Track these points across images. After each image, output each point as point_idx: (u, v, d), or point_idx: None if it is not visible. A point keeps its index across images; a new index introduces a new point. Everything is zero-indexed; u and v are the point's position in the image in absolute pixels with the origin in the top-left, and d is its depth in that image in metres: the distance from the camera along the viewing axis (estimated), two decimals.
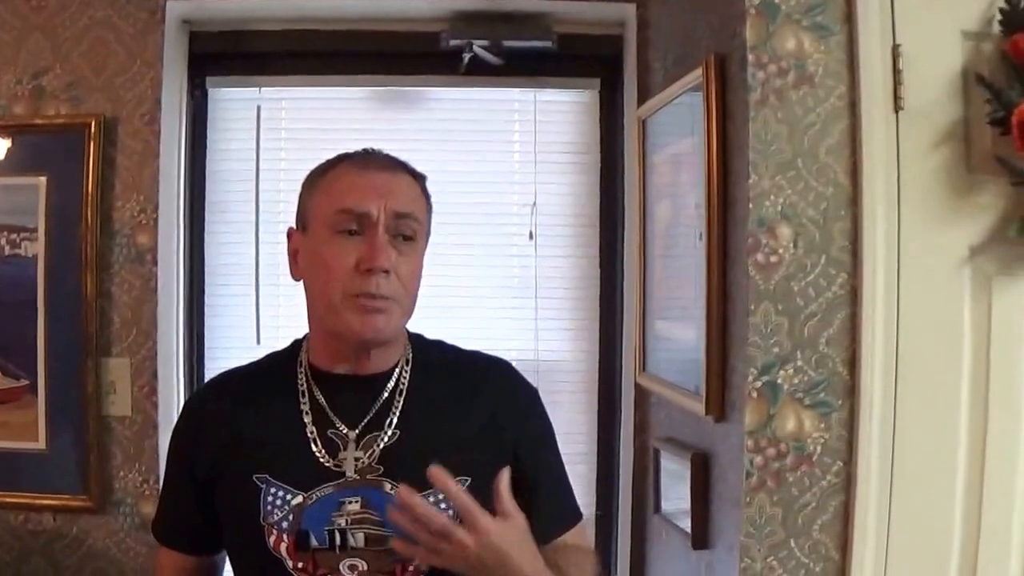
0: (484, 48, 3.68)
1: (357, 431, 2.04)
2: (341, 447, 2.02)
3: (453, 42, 3.68)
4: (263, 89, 3.94)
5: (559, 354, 3.95)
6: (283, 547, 1.98)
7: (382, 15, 3.77)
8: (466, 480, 1.95)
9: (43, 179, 3.47)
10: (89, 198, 3.48)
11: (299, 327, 3.88)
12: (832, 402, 2.50)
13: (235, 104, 3.93)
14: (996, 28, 2.43)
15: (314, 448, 2.02)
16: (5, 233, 3.47)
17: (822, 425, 2.50)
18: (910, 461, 2.47)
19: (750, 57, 2.48)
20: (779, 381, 2.49)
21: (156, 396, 3.48)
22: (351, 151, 2.12)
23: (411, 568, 1.99)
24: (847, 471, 2.49)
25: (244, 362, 2.30)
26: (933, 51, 2.48)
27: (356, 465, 2.01)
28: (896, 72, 2.46)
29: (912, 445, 2.47)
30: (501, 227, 3.95)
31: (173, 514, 2.23)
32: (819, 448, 2.50)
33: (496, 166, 3.94)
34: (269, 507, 2.00)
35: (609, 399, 3.92)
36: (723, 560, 2.67)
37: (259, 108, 3.92)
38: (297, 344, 2.22)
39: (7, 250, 3.47)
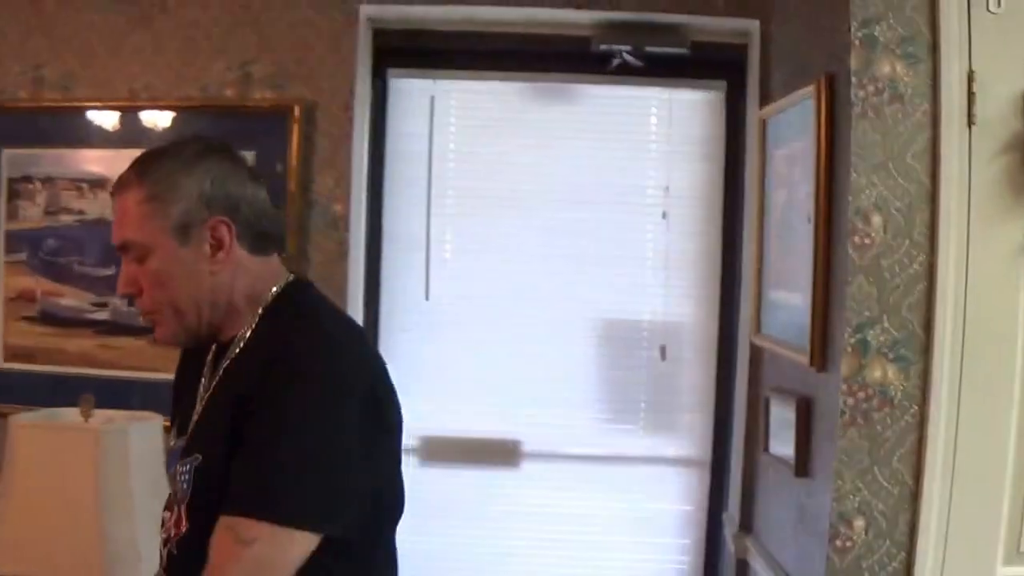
0: (628, 53, 4.19)
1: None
2: None
3: (602, 47, 4.19)
4: (437, 81, 4.45)
5: (684, 317, 4.46)
6: None
7: (541, 21, 4.27)
8: (196, 459, 1.89)
9: (251, 154, 3.89)
10: (293, 172, 4.06)
11: (461, 287, 4.44)
12: (911, 357, 2.91)
13: (413, 94, 4.46)
14: None
15: None
16: None
17: (902, 375, 2.92)
18: (973, 405, 2.87)
19: (853, 80, 2.92)
20: (869, 339, 2.92)
21: None
22: None
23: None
24: (921, 412, 2.89)
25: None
26: (1003, 75, 2.87)
27: None
28: (971, 94, 2.86)
29: (975, 392, 2.87)
30: (638, 207, 4.43)
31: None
32: (899, 394, 2.92)
33: (635, 154, 4.43)
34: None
35: (727, 356, 4.42)
36: (820, 485, 3.10)
37: (432, 98, 4.45)
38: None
39: None
